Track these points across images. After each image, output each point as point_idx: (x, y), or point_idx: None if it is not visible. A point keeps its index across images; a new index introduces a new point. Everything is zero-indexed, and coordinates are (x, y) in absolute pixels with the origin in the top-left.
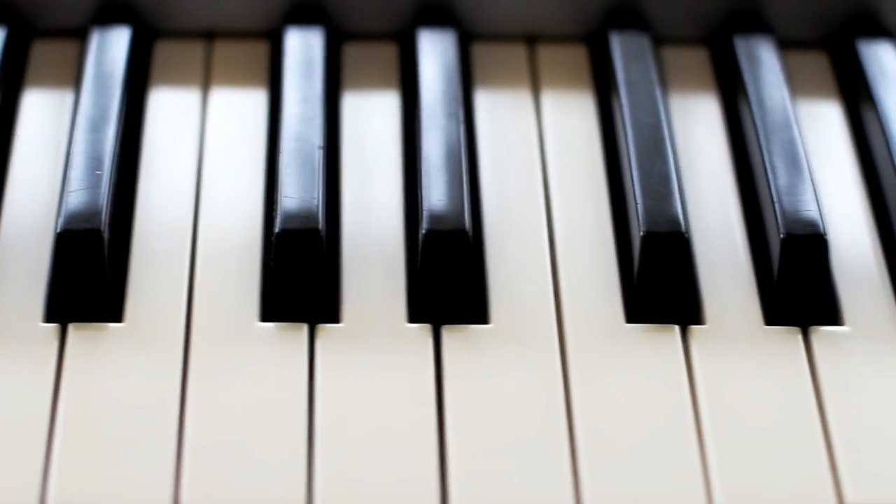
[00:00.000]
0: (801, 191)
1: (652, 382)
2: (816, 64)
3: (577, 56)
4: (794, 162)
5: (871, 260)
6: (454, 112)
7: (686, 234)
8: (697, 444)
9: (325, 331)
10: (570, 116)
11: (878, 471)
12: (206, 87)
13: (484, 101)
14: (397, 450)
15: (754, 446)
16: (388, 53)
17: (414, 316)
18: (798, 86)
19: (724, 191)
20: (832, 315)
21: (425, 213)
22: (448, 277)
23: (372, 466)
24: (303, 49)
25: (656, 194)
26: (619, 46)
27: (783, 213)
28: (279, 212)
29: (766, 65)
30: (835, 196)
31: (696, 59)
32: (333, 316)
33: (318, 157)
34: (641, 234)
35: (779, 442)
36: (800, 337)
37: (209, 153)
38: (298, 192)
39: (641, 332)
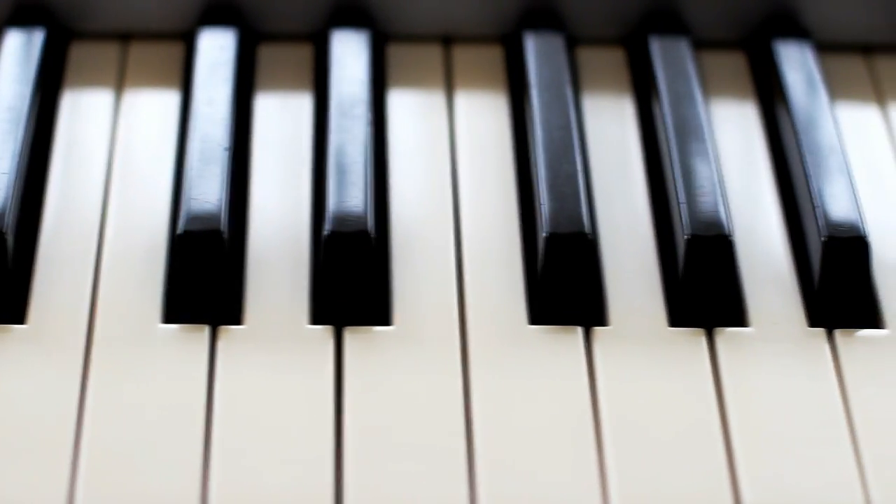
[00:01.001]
0: (708, 191)
1: (553, 384)
2: (733, 64)
3: (492, 57)
4: (704, 162)
5: (781, 260)
6: (362, 114)
7: (590, 236)
8: (596, 446)
9: (227, 332)
10: (484, 117)
11: (778, 473)
12: (119, 88)
13: (397, 101)
14: (294, 451)
15: (653, 448)
16: (303, 54)
17: (316, 317)
18: (714, 86)
19: (634, 192)
20: (738, 316)
21: (328, 215)
22: (350, 279)
23: (268, 468)
24: (215, 50)
25: (561, 195)
26: (532, 47)
27: (690, 213)
28: (182, 213)
29: (680, 66)
30: (746, 196)
31: (612, 59)
32: (236, 317)
33: (224, 158)
34: (544, 234)
35: (678, 444)
36: (703, 338)
37: (119, 155)
38: (202, 193)
39: (544, 334)
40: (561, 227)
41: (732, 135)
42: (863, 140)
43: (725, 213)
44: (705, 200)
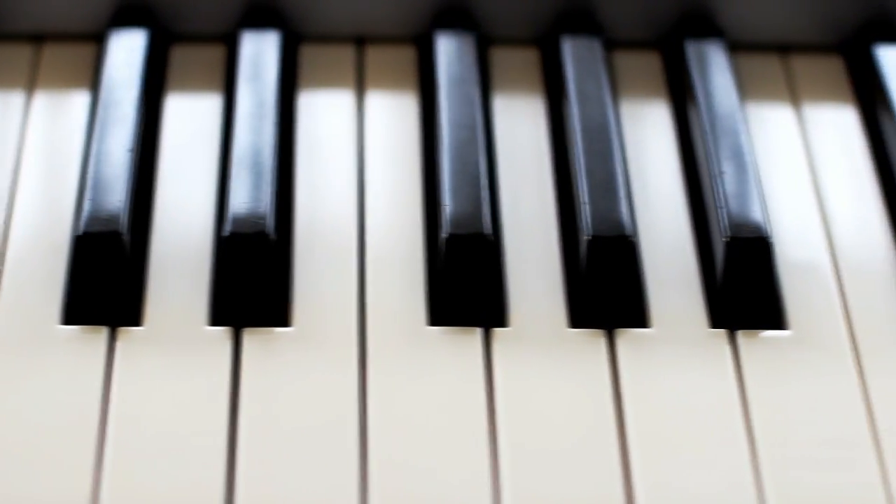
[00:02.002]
0: (612, 191)
1: (451, 384)
2: (648, 64)
3: (405, 57)
4: (609, 163)
5: (687, 261)
6: (269, 114)
7: (490, 237)
8: (490, 447)
9: (126, 334)
10: (393, 118)
11: (674, 475)
12: (30, 90)
13: (307, 102)
14: (188, 453)
15: (548, 450)
16: (215, 55)
17: (215, 319)
18: (628, 86)
19: (541, 192)
20: (639, 317)
21: (228, 216)
22: (249, 280)
23: (161, 469)
24: (125, 52)
25: (464, 196)
26: (442, 47)
27: (592, 213)
28: (84, 215)
29: (590, 66)
30: (654, 196)
31: (526, 59)
32: (135, 319)
33: (127, 160)
34: (445, 235)
35: (574, 446)
36: (604, 339)
37: (28, 155)
38: (102, 195)
39: (444, 335)
40: (461, 228)
41: (644, 134)
42: (775, 139)
43: (629, 213)
44: (608, 200)
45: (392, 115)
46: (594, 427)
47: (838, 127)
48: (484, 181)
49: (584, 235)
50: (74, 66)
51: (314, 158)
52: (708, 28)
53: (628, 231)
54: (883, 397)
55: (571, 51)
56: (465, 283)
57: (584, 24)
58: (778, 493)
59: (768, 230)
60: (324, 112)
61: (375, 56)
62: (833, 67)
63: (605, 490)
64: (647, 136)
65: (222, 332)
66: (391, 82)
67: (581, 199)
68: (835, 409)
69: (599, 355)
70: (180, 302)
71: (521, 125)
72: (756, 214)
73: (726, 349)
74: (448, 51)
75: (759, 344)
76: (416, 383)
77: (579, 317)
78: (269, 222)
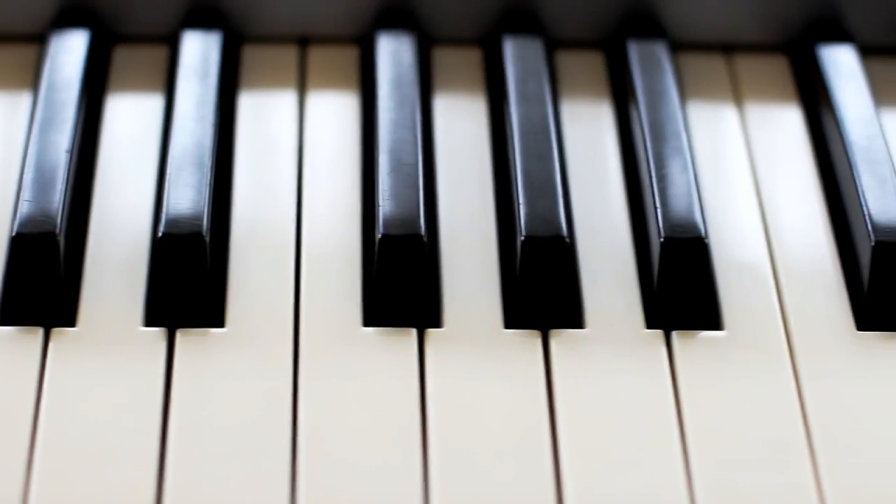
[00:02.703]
0: (548, 191)
1: (384, 385)
2: (591, 64)
3: (348, 57)
4: (546, 162)
5: (624, 261)
6: (208, 114)
7: (424, 238)
8: (421, 449)
9: (60, 334)
10: (334, 118)
11: (605, 477)
12: None
13: (249, 103)
14: (119, 453)
15: (480, 451)
16: (158, 56)
17: (149, 319)
18: (570, 86)
19: (480, 192)
20: (574, 317)
21: (162, 217)
22: (183, 281)
23: (92, 470)
24: (66, 53)
25: (401, 196)
26: (384, 47)
27: (528, 214)
28: (18, 216)
29: (532, 66)
30: (592, 196)
31: (468, 59)
32: (70, 319)
33: (65, 161)
34: (379, 236)
35: (505, 447)
36: (538, 340)
37: None
38: (38, 195)
39: (378, 335)
40: (395, 228)
41: (586, 135)
42: (718, 139)
43: (565, 213)
44: (544, 201)
45: (333, 115)
46: (526, 428)
47: (781, 127)
48: (421, 180)
49: (520, 236)
50: (16, 67)
51: (254, 159)
52: (651, 28)
53: (563, 232)
54: (817, 398)
55: (513, 50)
56: (399, 284)
57: (528, 23)
58: (708, 493)
59: (704, 231)
60: (265, 112)
61: (318, 56)
62: (777, 67)
63: (536, 491)
64: (589, 136)
65: (156, 333)
66: (333, 82)
67: (517, 200)
68: (769, 409)
69: (534, 356)
70: (116, 303)
71: (462, 124)
72: (693, 215)
73: (661, 350)
74: (389, 51)
75: (695, 344)
76: (349, 383)
77: (514, 317)
78: (204, 223)
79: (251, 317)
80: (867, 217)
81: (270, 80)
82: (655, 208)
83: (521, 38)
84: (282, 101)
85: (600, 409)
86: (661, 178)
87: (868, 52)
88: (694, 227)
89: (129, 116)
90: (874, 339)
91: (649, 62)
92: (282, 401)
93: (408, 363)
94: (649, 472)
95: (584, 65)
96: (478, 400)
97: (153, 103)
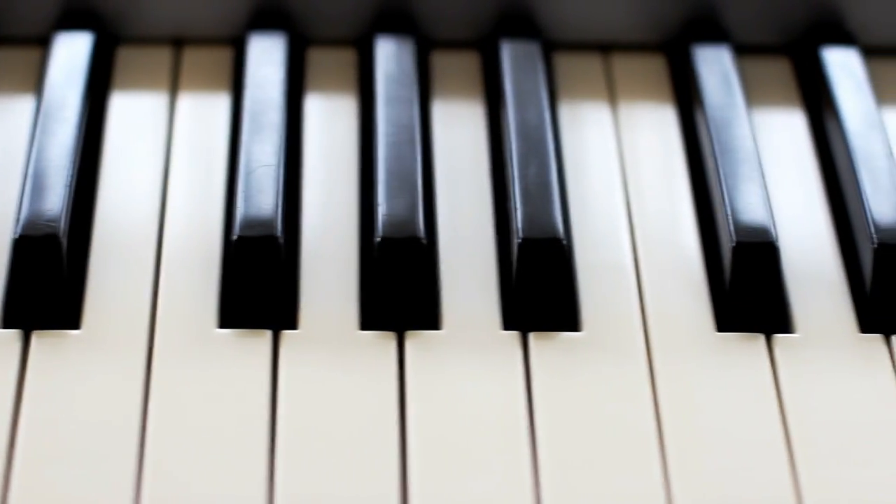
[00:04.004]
0: (405, 192)
1: (236, 387)
2: (465, 64)
3: (221, 58)
4: (410, 163)
5: (485, 262)
6: (70, 117)
7: (280, 239)
8: (268, 449)
9: None
10: (204, 119)
11: (451, 478)
12: None
13: (119, 104)
14: None
15: (328, 452)
16: (31, 58)
17: (6, 322)
18: (441, 86)
19: (345, 194)
20: (431, 318)
21: (20, 219)
22: (40, 282)
23: None
24: None
25: (257, 196)
26: (254, 48)
27: (384, 215)
28: None
29: (399, 65)
30: (457, 196)
31: (341, 59)
32: None
33: None
34: (234, 237)
35: (353, 449)
36: (394, 341)
37: None
38: None
39: (232, 337)
40: (250, 230)
41: (455, 134)
42: (590, 139)
43: (424, 214)
44: (400, 203)
45: (203, 116)
46: (375, 429)
47: (655, 126)
48: (277, 181)
49: (376, 237)
50: None
51: (120, 160)
52: (526, 28)
53: (420, 233)
54: (672, 399)
55: (384, 50)
56: (254, 285)
57: (401, 23)
58: (556, 496)
59: (561, 231)
60: (134, 114)
61: (192, 57)
62: (655, 66)
63: (382, 493)
64: (461, 136)
65: (12, 335)
66: (205, 84)
67: (377, 201)
68: (623, 410)
69: (388, 357)
70: None
71: (336, 121)
72: (551, 216)
73: (517, 351)
74: (258, 52)
75: (552, 345)
76: (201, 385)
77: (370, 319)
78: (60, 225)
79: (107, 319)
80: (730, 221)
81: (143, 82)
82: (514, 209)
83: (394, 38)
84: (153, 103)
85: (452, 411)
86: (522, 179)
87: (743, 51)
88: (552, 227)
89: (1, 119)
90: (733, 341)
91: (521, 61)
92: (133, 403)
93: (261, 364)
94: (498, 473)
95: (456, 64)
96: (329, 401)
97: (25, 105)
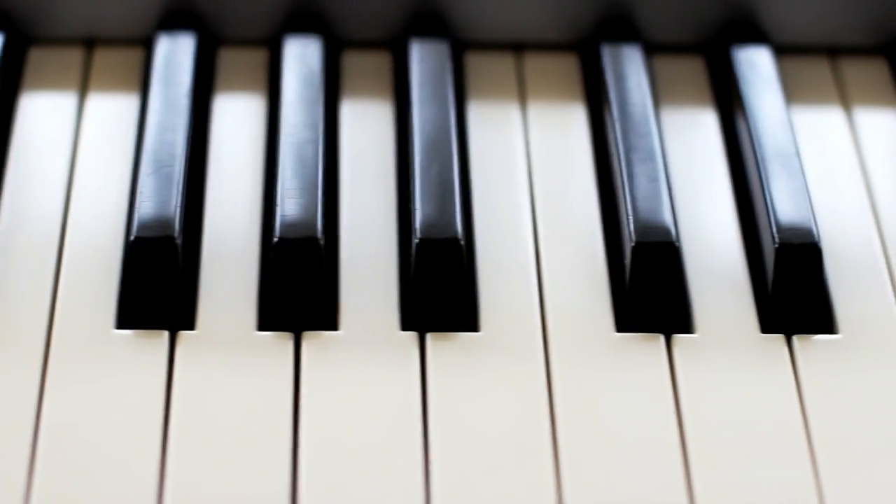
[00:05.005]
0: (306, 194)
1: (132, 387)
2: (376, 63)
3: (132, 59)
4: (306, 162)
5: (385, 262)
6: None
7: (177, 239)
8: (160, 450)
9: None
10: (112, 119)
11: (339, 480)
12: None
13: (28, 104)
14: None
15: (218, 452)
16: None
17: None
18: (351, 86)
19: (244, 193)
20: (329, 319)
21: None
22: None
23: None
24: None
25: (159, 196)
26: (162, 49)
27: (280, 216)
28: None
29: (307, 65)
30: (365, 194)
31: (253, 60)
32: None
33: None
34: (131, 238)
35: (244, 448)
36: (290, 342)
37: None
38: None
39: (130, 338)
40: (147, 230)
41: (357, 135)
42: (497, 138)
43: (325, 215)
44: (299, 204)
45: (111, 116)
46: (268, 430)
47: (565, 126)
48: (179, 182)
49: (274, 238)
50: None
51: (27, 160)
52: (438, 28)
53: (317, 233)
54: (568, 400)
55: (293, 51)
56: (151, 287)
57: (311, 24)
58: (448, 496)
59: (459, 232)
60: (43, 114)
61: (102, 58)
62: (567, 66)
63: (273, 493)
64: (365, 136)
65: None
66: (115, 84)
67: (276, 202)
68: (518, 411)
69: (284, 358)
70: None
71: (234, 119)
72: (450, 216)
73: (414, 351)
74: (167, 52)
75: (449, 346)
76: (97, 385)
77: (268, 319)
78: None
79: (6, 319)
80: (630, 222)
81: (53, 82)
82: (415, 209)
83: (303, 38)
84: (62, 103)
85: (346, 411)
86: (425, 179)
87: (658, 50)
88: (451, 228)
89: None
90: (632, 341)
91: (427, 60)
92: (25, 402)
93: (157, 365)
94: (390, 474)
95: (367, 64)
96: (224, 402)
97: None
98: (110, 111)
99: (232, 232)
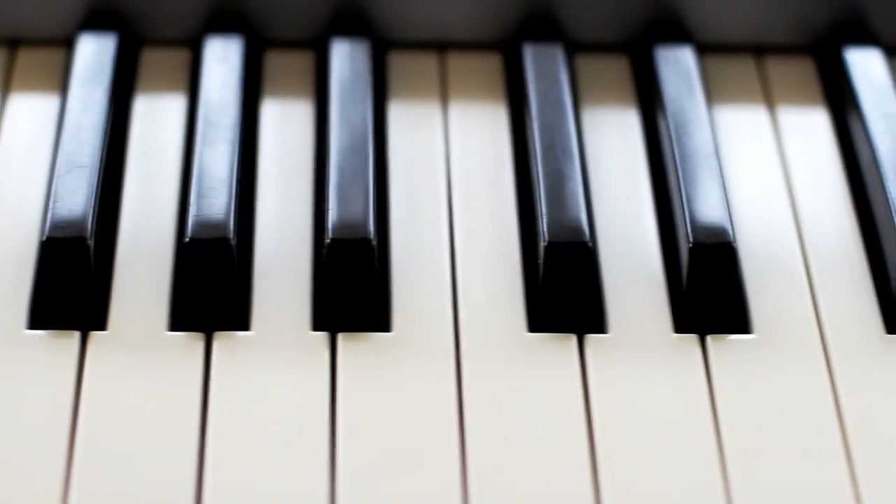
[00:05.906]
0: (220, 193)
1: (43, 388)
2: (299, 63)
3: (55, 59)
4: (221, 162)
5: (297, 262)
6: None
7: (88, 240)
8: (67, 450)
9: None
10: (33, 117)
11: (247, 479)
12: None
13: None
14: None
15: (124, 451)
16: None
17: None
18: (273, 85)
19: (162, 192)
20: (240, 320)
21: None
22: None
23: None
24: None
25: (73, 197)
26: (84, 49)
27: (193, 216)
28: None
29: (228, 65)
30: (283, 194)
31: (174, 60)
32: None
33: None
34: (43, 239)
35: (153, 448)
36: (202, 342)
37: None
38: None
39: (41, 339)
40: (59, 231)
41: (279, 134)
42: (419, 139)
43: (238, 215)
44: (212, 204)
45: (31, 116)
46: (176, 430)
47: (486, 125)
48: (94, 183)
49: (185, 238)
50: None
51: None
52: (361, 27)
53: (229, 234)
54: (477, 400)
55: (212, 52)
56: (62, 288)
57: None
58: (350, 497)
59: (371, 233)
60: (28, 115)
61: (25, 58)
62: (490, 66)
63: (177, 493)
64: (287, 136)
65: None
66: (37, 85)
67: (189, 201)
68: (405, 411)
69: (195, 358)
70: None
71: (156, 119)
72: (362, 216)
73: (325, 352)
74: (88, 53)
75: (360, 346)
76: (8, 386)
77: (179, 320)
78: None
79: None
80: (544, 221)
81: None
82: (329, 209)
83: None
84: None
85: (254, 411)
86: (340, 178)
87: (583, 50)
88: (363, 228)
89: None
90: (545, 341)
91: (346, 59)
92: None
93: (68, 366)
94: (296, 475)
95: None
96: (132, 402)
97: None
98: (32, 112)
99: (147, 232)
